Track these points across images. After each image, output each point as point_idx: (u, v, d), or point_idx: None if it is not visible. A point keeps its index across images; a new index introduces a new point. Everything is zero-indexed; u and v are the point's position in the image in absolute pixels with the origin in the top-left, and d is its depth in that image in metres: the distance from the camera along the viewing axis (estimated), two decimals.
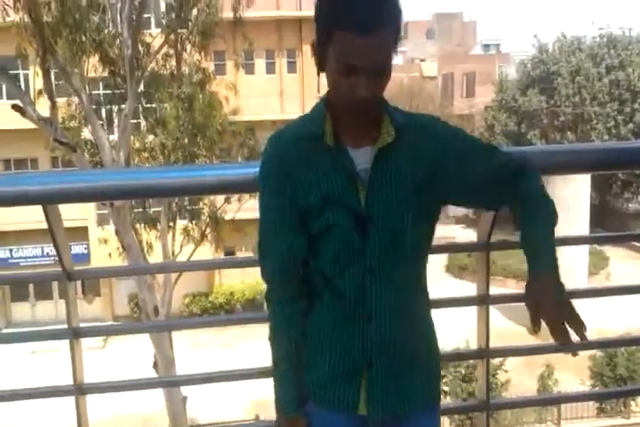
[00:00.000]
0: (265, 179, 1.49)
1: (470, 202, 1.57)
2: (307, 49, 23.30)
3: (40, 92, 11.08)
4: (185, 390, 11.77)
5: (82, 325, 1.96)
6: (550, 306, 1.35)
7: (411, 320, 1.52)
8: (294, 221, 1.46)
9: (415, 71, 41.49)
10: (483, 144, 1.50)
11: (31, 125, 10.24)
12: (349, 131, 1.43)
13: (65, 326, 1.87)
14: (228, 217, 14.48)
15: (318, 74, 1.42)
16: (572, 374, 14.25)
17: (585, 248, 18.68)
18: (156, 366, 11.72)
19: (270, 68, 23.56)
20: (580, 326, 1.36)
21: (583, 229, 18.11)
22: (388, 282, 1.46)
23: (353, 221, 1.42)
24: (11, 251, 21.28)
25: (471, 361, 8.51)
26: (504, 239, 2.18)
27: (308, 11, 22.82)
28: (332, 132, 1.42)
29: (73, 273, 1.92)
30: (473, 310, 2.08)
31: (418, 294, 1.54)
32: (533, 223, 1.45)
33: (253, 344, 17.19)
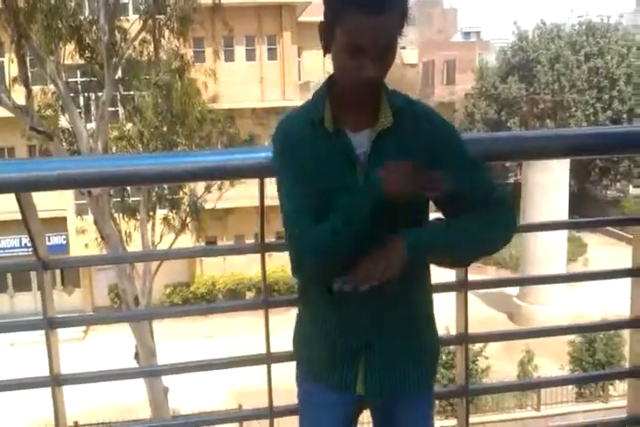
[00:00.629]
0: (279, 155, 1.50)
1: (438, 203, 1.54)
2: (287, 35, 23.15)
3: (15, 80, 10.91)
4: (167, 381, 11.75)
5: (64, 315, 1.93)
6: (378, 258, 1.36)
7: (410, 305, 1.54)
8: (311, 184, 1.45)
9: (396, 59, 41.47)
10: (472, 160, 1.50)
11: (7, 114, 10.09)
12: (349, 114, 1.46)
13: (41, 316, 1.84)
14: (208, 206, 14.41)
15: (324, 55, 1.44)
16: (552, 359, 14.44)
17: (563, 235, 18.87)
18: (137, 356, 11.69)
19: (250, 55, 23.32)
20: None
21: (562, 216, 18.28)
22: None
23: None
24: None
25: (451, 347, 8.59)
26: None
27: None
28: (332, 117, 1.44)
29: (48, 262, 1.88)
30: (452, 297, 2.09)
31: (416, 279, 1.55)
32: (464, 220, 1.44)
33: (234, 335, 17.28)
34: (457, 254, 1.48)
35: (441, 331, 1.74)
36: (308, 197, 1.43)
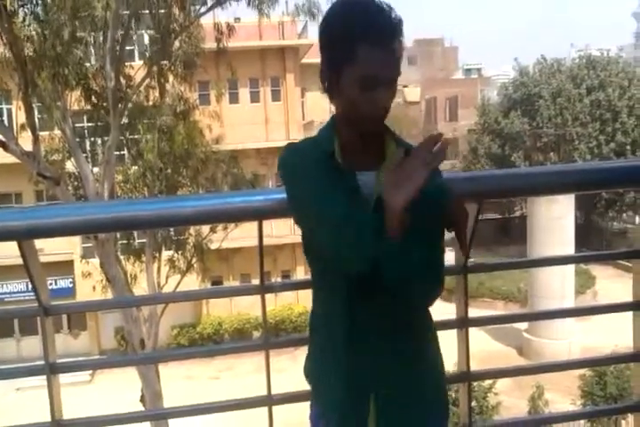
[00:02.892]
0: (291, 175, 1.46)
1: None
2: (290, 77, 23.54)
3: (23, 126, 11.10)
4: (172, 424, 11.57)
5: (68, 360, 1.94)
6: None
7: (411, 346, 1.53)
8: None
9: (398, 97, 42.03)
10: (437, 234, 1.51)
11: (14, 159, 10.23)
12: (355, 154, 1.46)
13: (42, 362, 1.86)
14: (214, 246, 14.44)
15: (329, 96, 1.46)
16: (563, 394, 14.19)
17: (571, 268, 18.76)
18: (143, 399, 11.56)
19: (255, 97, 23.72)
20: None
21: (569, 248, 18.21)
22: (384, 305, 1.47)
23: None
24: None
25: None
26: (482, 262, 2.19)
27: (291, 40, 23.16)
28: (340, 154, 1.45)
29: (50, 308, 1.90)
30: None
31: (421, 325, 1.56)
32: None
33: (241, 376, 17.08)
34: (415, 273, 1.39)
35: (450, 368, 1.72)
36: (335, 192, 1.40)
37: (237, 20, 15.84)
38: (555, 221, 18.27)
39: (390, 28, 1.37)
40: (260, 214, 1.82)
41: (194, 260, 13.92)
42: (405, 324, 1.51)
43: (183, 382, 16.82)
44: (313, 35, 24.13)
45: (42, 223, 1.79)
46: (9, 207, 21.38)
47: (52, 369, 1.86)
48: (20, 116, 11.31)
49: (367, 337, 1.50)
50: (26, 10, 10.22)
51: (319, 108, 26.48)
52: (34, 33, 10.28)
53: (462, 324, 2.05)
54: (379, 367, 1.50)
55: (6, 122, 12.55)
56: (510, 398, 14.16)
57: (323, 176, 1.41)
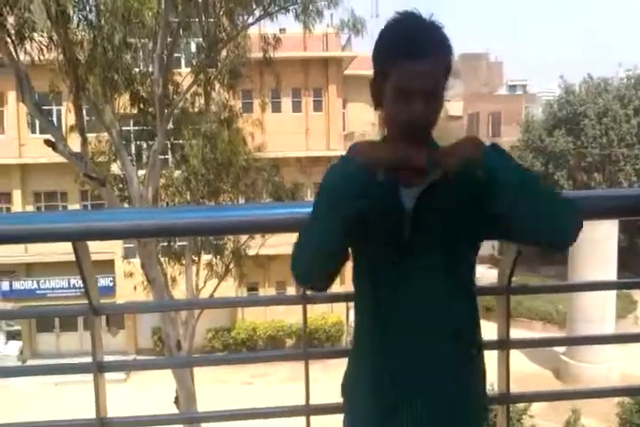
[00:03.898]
0: (322, 189, 1.47)
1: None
2: (333, 88, 23.66)
3: (72, 128, 11.37)
4: None
5: (105, 357, 1.98)
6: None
7: (462, 361, 1.53)
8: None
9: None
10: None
11: (62, 159, 10.46)
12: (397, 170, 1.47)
13: (89, 359, 1.90)
14: (251, 253, 14.53)
15: (376, 109, 1.52)
16: (600, 420, 13.85)
17: (612, 291, 18.34)
18: (177, 401, 11.66)
19: (297, 107, 23.90)
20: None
21: (611, 271, 17.84)
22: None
23: (395, 255, 1.48)
24: (38, 282, 21.57)
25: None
26: (525, 283, 2.18)
27: (334, 51, 23.29)
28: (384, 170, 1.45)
29: (99, 308, 1.96)
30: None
31: (470, 335, 1.56)
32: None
33: (273, 383, 17.08)
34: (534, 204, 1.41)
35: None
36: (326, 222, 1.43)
37: (282, 30, 16.00)
38: (597, 242, 17.91)
39: (426, 43, 1.42)
40: (299, 225, 1.84)
41: (231, 265, 14.03)
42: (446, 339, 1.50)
43: (216, 385, 16.89)
44: (356, 47, 24.27)
45: (95, 226, 1.85)
46: (54, 206, 21.93)
47: (99, 368, 1.90)
48: (69, 118, 11.59)
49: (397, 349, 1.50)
50: (80, 15, 10.51)
51: (360, 120, 26.53)
52: (86, 38, 10.54)
53: (503, 345, 2.04)
54: (420, 375, 1.49)
55: (56, 123, 12.86)
56: (545, 421, 13.89)
57: (330, 206, 1.42)
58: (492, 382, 2.00)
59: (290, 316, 19.92)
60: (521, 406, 12.21)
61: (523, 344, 2.18)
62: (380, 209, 1.45)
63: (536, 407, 12.77)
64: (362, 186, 1.40)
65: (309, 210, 1.64)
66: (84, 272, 1.91)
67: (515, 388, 2.05)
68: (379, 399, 1.51)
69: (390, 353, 1.50)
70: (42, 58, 10.08)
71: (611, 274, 17.66)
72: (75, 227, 1.85)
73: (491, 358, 2.11)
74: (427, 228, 1.46)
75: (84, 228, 1.85)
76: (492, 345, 2.02)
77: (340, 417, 1.71)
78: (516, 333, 2.05)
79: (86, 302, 1.94)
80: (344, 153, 1.47)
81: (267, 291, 22.03)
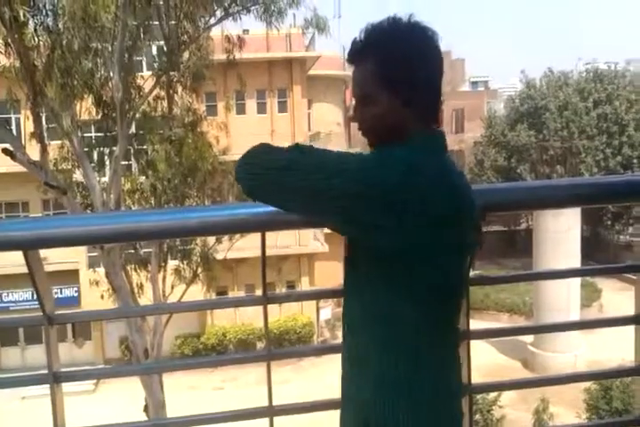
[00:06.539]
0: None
1: None
2: (297, 89, 23.66)
3: (31, 136, 11.17)
4: None
5: (72, 369, 1.95)
6: None
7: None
8: None
9: None
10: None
11: (22, 169, 10.27)
12: None
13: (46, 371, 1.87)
14: (219, 257, 14.44)
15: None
16: (568, 407, 14.10)
17: (577, 281, 18.69)
18: (146, 409, 11.53)
19: (262, 108, 23.84)
20: None
21: (575, 261, 18.16)
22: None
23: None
24: (0, 295, 21.09)
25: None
26: (482, 274, 2.20)
27: (298, 52, 23.30)
28: None
29: (54, 317, 1.92)
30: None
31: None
32: None
33: (244, 387, 17.01)
34: None
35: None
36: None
37: (246, 31, 15.92)
38: (561, 233, 18.24)
39: (358, 47, 1.39)
40: (263, 226, 1.83)
41: (199, 270, 13.92)
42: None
43: (187, 392, 16.77)
44: (320, 47, 24.29)
45: (47, 233, 1.81)
46: (16, 216, 21.51)
47: (55, 378, 1.87)
48: (28, 126, 11.38)
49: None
50: (36, 20, 10.32)
51: (326, 120, 26.60)
52: (43, 43, 10.36)
53: (464, 336, 2.05)
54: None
55: (15, 131, 12.62)
56: (515, 411, 14.08)
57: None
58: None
59: (260, 319, 19.50)
60: (491, 397, 12.37)
61: (483, 335, 2.19)
62: None
63: (505, 398, 12.94)
64: None
65: (266, 209, 1.63)
66: (36, 281, 1.87)
67: (485, 379, 2.07)
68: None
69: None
70: None
71: (575, 264, 17.98)
72: (25, 235, 1.80)
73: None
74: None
75: (35, 236, 1.81)
76: None
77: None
78: (484, 325, 2.07)
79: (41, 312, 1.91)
80: None
81: (236, 294, 21.92)
